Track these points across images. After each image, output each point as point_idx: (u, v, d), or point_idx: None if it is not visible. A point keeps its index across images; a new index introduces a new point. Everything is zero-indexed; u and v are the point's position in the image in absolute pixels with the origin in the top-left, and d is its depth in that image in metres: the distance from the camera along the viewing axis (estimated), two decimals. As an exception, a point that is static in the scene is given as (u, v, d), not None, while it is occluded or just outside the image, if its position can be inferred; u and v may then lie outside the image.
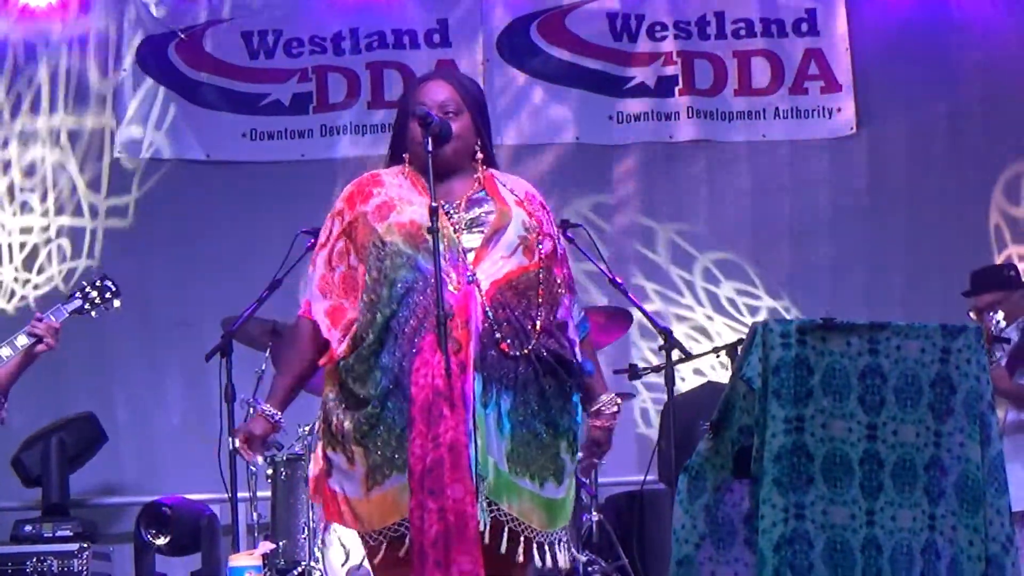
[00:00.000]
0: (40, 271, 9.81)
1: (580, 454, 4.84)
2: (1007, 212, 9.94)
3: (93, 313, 6.60)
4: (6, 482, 9.19)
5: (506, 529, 4.51)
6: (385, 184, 4.75)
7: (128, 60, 9.94)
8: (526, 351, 4.56)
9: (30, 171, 9.88)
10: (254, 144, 9.96)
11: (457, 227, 4.62)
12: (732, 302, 9.91)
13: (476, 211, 4.69)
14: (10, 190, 9.86)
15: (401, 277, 4.58)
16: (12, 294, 9.77)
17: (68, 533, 8.60)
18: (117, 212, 9.90)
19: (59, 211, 9.86)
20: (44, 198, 9.88)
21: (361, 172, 4.86)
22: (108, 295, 6.58)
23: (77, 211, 9.84)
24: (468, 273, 4.57)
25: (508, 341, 4.55)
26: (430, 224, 4.55)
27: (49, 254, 9.84)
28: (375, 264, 4.62)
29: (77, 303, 6.56)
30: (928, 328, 4.67)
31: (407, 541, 4.48)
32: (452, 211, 4.64)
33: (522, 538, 4.54)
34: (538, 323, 4.60)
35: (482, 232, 4.65)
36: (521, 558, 4.54)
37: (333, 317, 4.70)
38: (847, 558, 4.53)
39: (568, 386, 4.67)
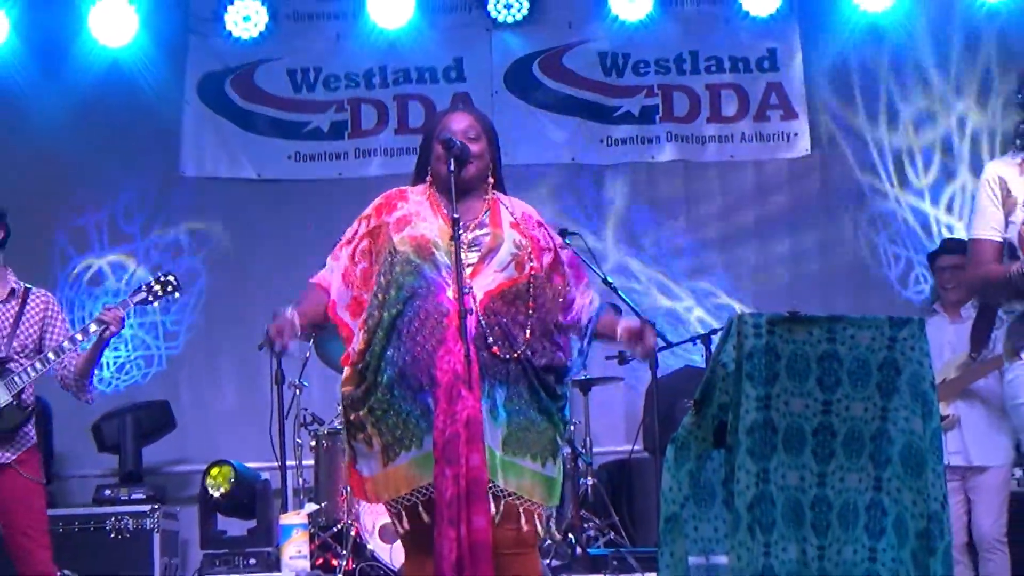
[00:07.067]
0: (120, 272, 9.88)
1: (636, 350, 4.78)
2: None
3: (156, 304, 6.58)
4: (88, 454, 9.22)
5: (503, 501, 4.51)
6: (408, 200, 4.77)
7: (190, 93, 9.94)
8: (515, 355, 4.56)
9: (109, 186, 9.90)
10: (298, 165, 9.96)
11: (462, 246, 4.60)
12: (706, 296, 9.91)
13: (476, 233, 4.68)
14: (95, 203, 9.90)
15: (408, 283, 4.58)
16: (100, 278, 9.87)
17: (141, 496, 8.63)
18: (181, 222, 9.89)
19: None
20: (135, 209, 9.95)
21: (390, 189, 4.86)
22: (170, 288, 6.57)
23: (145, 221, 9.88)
24: (465, 285, 4.54)
25: (498, 345, 4.55)
26: (437, 240, 4.60)
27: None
28: (387, 268, 4.63)
29: (142, 295, 6.55)
30: (878, 319, 4.64)
31: (420, 508, 4.51)
32: (461, 231, 4.62)
33: (521, 509, 4.54)
34: (527, 331, 4.61)
35: (479, 251, 4.65)
36: (526, 527, 4.55)
37: (353, 310, 4.72)
38: (799, 514, 4.52)
39: (555, 388, 4.67)
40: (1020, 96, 5.03)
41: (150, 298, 6.54)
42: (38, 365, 6.30)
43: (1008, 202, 4.96)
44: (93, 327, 6.33)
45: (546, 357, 4.63)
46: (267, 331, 4.61)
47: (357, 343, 4.63)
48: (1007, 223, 4.98)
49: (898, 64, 10.03)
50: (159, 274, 6.63)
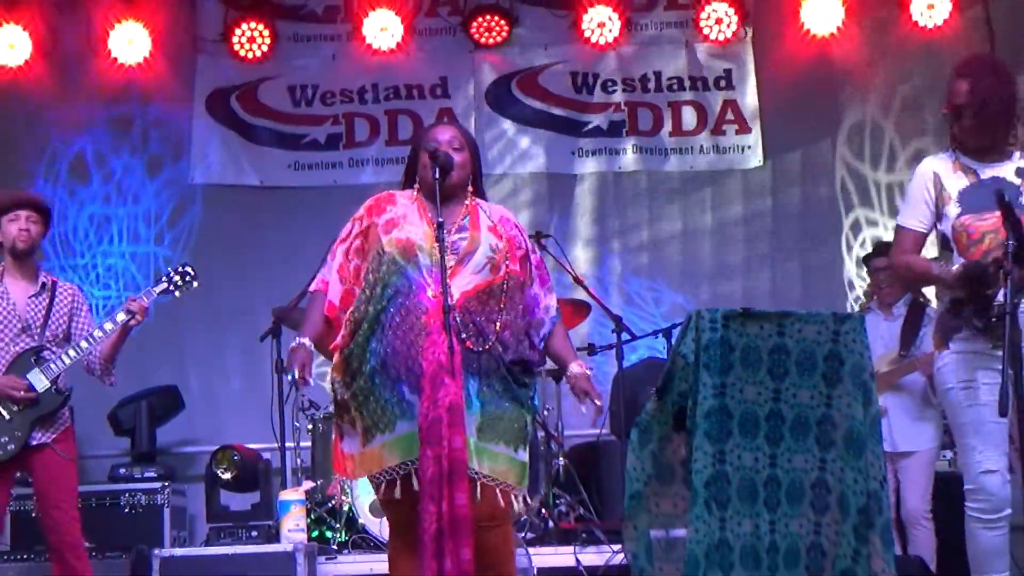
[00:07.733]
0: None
1: (584, 406, 4.78)
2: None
3: (177, 294, 6.52)
4: (105, 436, 9.19)
5: (479, 484, 4.52)
6: (397, 203, 4.78)
7: (200, 107, 9.93)
8: (487, 347, 4.58)
9: (128, 189, 9.91)
10: (297, 173, 9.93)
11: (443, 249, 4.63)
12: (666, 294, 9.92)
13: (455, 237, 4.70)
14: (119, 196, 9.92)
15: (392, 282, 4.60)
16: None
17: (153, 474, 8.60)
18: (192, 224, 9.88)
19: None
20: (148, 212, 9.93)
21: (380, 194, 4.88)
22: (188, 278, 6.51)
23: (161, 222, 9.88)
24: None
25: (472, 339, 4.56)
26: (421, 243, 4.62)
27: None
28: (375, 267, 4.65)
29: (163, 286, 6.49)
30: (823, 315, 4.71)
31: (397, 484, 4.52)
32: (444, 235, 4.63)
33: (497, 490, 4.56)
34: (498, 325, 4.62)
35: (457, 254, 4.67)
36: (500, 504, 4.56)
37: (345, 301, 4.73)
38: (752, 491, 4.57)
39: (524, 379, 4.69)
40: (944, 111, 5.17)
41: (171, 288, 6.50)
42: (72, 353, 6.28)
43: (942, 196, 5.07)
44: (121, 316, 6.30)
45: (516, 351, 4.66)
46: (291, 369, 4.61)
47: (344, 332, 4.65)
48: (941, 215, 5.10)
49: (843, 83, 10.06)
50: (178, 266, 6.58)
